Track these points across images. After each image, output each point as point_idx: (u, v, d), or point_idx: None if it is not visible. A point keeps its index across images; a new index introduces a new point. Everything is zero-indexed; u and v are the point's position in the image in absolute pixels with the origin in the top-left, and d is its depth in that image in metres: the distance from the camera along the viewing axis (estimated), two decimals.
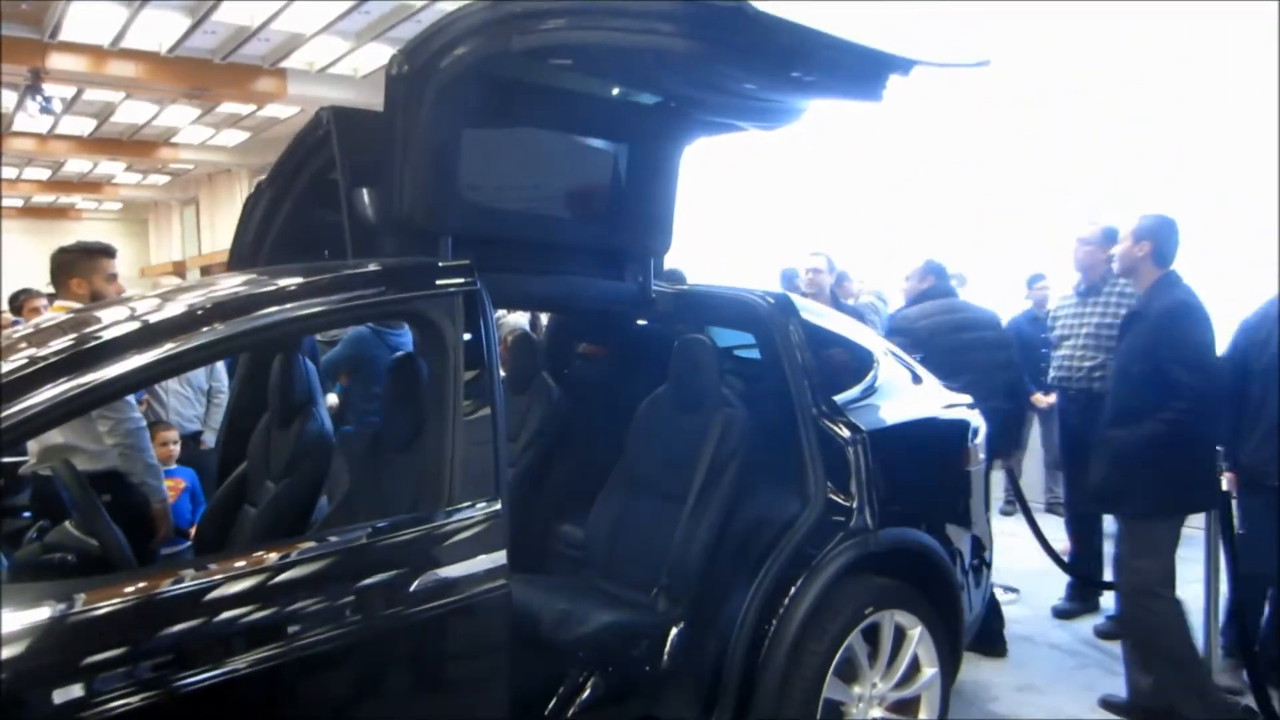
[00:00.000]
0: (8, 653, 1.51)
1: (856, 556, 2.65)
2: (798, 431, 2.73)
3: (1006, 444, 4.58)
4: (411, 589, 1.94)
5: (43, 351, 1.79)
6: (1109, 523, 4.22)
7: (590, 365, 3.90)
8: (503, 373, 2.45)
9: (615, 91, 2.84)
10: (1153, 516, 3.26)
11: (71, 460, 2.90)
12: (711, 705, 2.54)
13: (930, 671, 2.82)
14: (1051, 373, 4.64)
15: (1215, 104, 6.28)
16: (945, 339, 4.20)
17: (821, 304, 4.08)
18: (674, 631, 2.61)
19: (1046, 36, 6.85)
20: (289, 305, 2.00)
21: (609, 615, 2.58)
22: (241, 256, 3.02)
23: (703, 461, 2.76)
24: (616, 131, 2.97)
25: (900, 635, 2.76)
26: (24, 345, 1.88)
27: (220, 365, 4.51)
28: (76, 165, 20.23)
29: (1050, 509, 6.23)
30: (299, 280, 2.09)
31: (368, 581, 1.91)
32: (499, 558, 2.06)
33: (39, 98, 12.22)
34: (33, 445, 3.13)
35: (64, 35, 11.38)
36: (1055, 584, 4.57)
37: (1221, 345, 3.44)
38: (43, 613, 1.58)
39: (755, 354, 3.32)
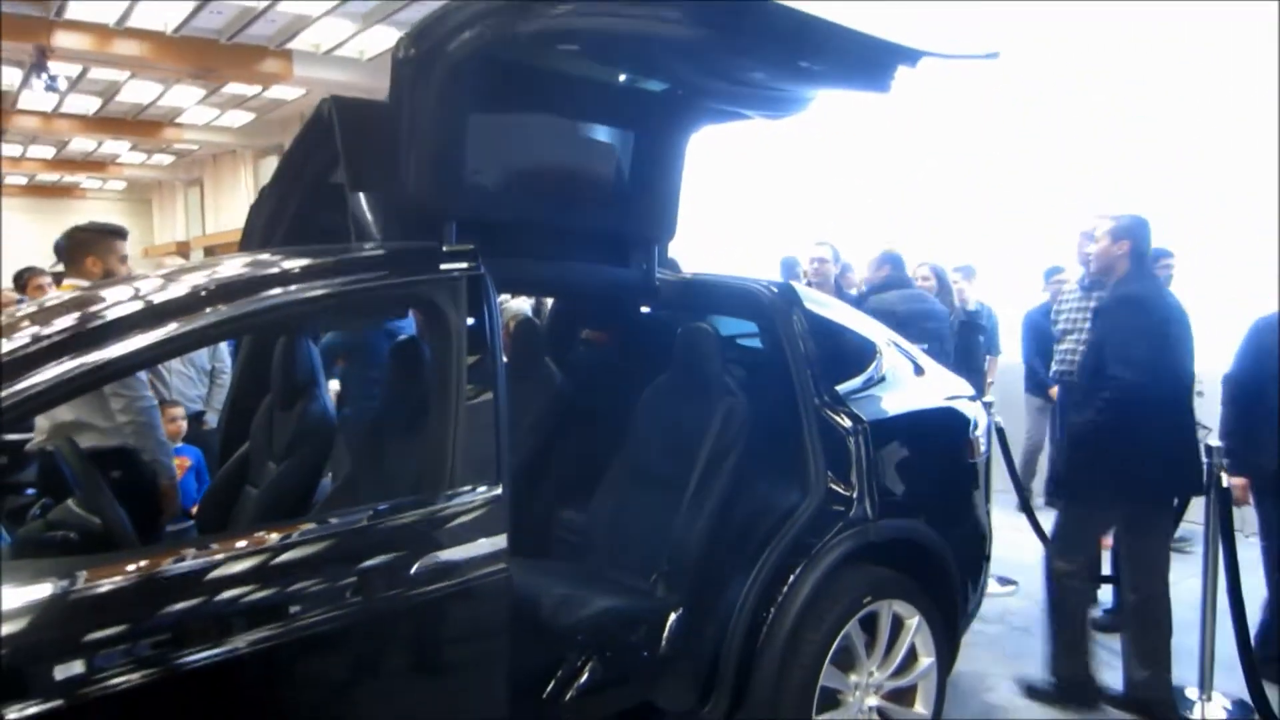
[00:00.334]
0: (9, 629, 1.52)
1: (856, 546, 2.66)
2: (799, 421, 2.73)
3: None
4: (412, 571, 1.95)
5: (46, 330, 1.79)
6: None
7: (593, 351, 3.90)
8: (505, 358, 2.45)
9: (622, 78, 2.84)
10: (1087, 505, 3.33)
11: (82, 437, 2.92)
12: (709, 691, 2.56)
13: (927, 661, 2.83)
14: (1054, 366, 4.64)
15: (1215, 104, 6.25)
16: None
17: (826, 294, 4.09)
18: (673, 618, 2.62)
19: (1046, 36, 6.82)
20: (293, 287, 2.00)
21: (608, 600, 2.59)
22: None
23: (704, 449, 2.76)
24: (623, 118, 2.96)
25: (898, 625, 2.78)
26: (27, 323, 1.88)
27: (223, 345, 4.51)
28: (81, 144, 20.20)
29: (1050, 503, 6.22)
30: (303, 262, 2.09)
31: (368, 563, 1.92)
32: (500, 541, 2.07)
33: (44, 75, 12.18)
34: (42, 421, 3.14)
35: (70, 13, 11.37)
36: None
37: (1217, 343, 3.43)
38: (44, 589, 1.59)
39: (758, 343, 3.33)
